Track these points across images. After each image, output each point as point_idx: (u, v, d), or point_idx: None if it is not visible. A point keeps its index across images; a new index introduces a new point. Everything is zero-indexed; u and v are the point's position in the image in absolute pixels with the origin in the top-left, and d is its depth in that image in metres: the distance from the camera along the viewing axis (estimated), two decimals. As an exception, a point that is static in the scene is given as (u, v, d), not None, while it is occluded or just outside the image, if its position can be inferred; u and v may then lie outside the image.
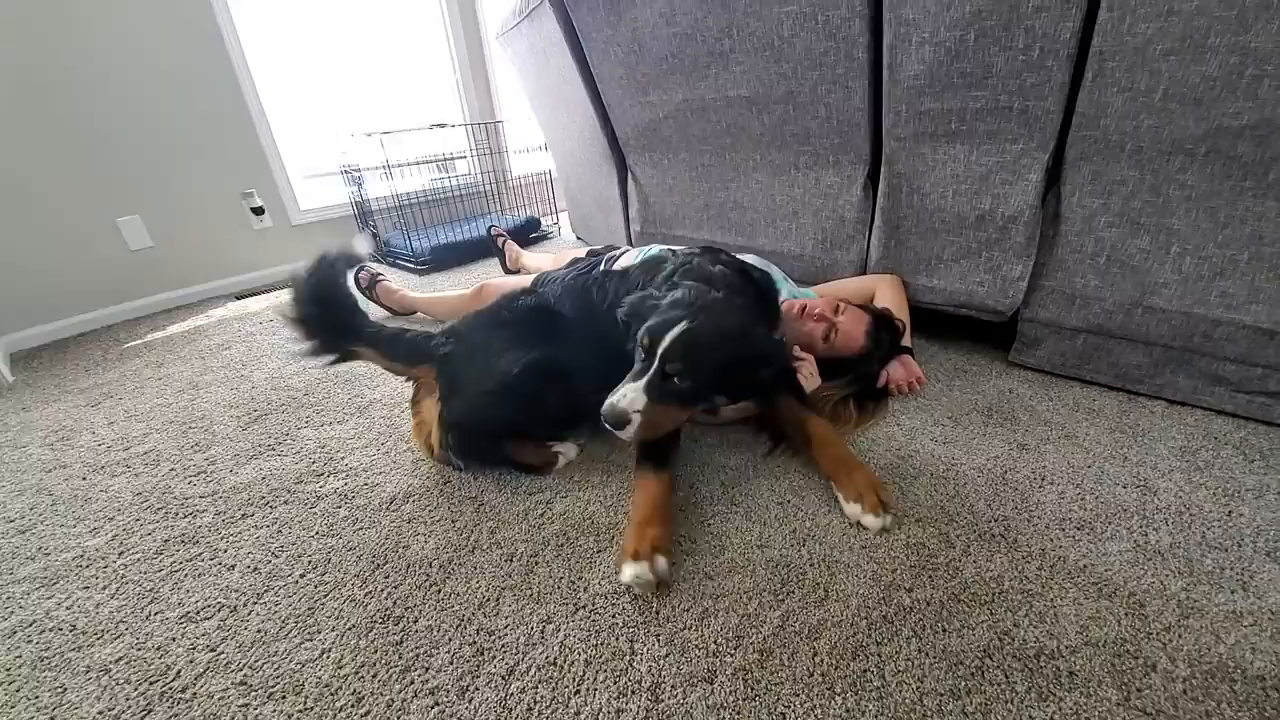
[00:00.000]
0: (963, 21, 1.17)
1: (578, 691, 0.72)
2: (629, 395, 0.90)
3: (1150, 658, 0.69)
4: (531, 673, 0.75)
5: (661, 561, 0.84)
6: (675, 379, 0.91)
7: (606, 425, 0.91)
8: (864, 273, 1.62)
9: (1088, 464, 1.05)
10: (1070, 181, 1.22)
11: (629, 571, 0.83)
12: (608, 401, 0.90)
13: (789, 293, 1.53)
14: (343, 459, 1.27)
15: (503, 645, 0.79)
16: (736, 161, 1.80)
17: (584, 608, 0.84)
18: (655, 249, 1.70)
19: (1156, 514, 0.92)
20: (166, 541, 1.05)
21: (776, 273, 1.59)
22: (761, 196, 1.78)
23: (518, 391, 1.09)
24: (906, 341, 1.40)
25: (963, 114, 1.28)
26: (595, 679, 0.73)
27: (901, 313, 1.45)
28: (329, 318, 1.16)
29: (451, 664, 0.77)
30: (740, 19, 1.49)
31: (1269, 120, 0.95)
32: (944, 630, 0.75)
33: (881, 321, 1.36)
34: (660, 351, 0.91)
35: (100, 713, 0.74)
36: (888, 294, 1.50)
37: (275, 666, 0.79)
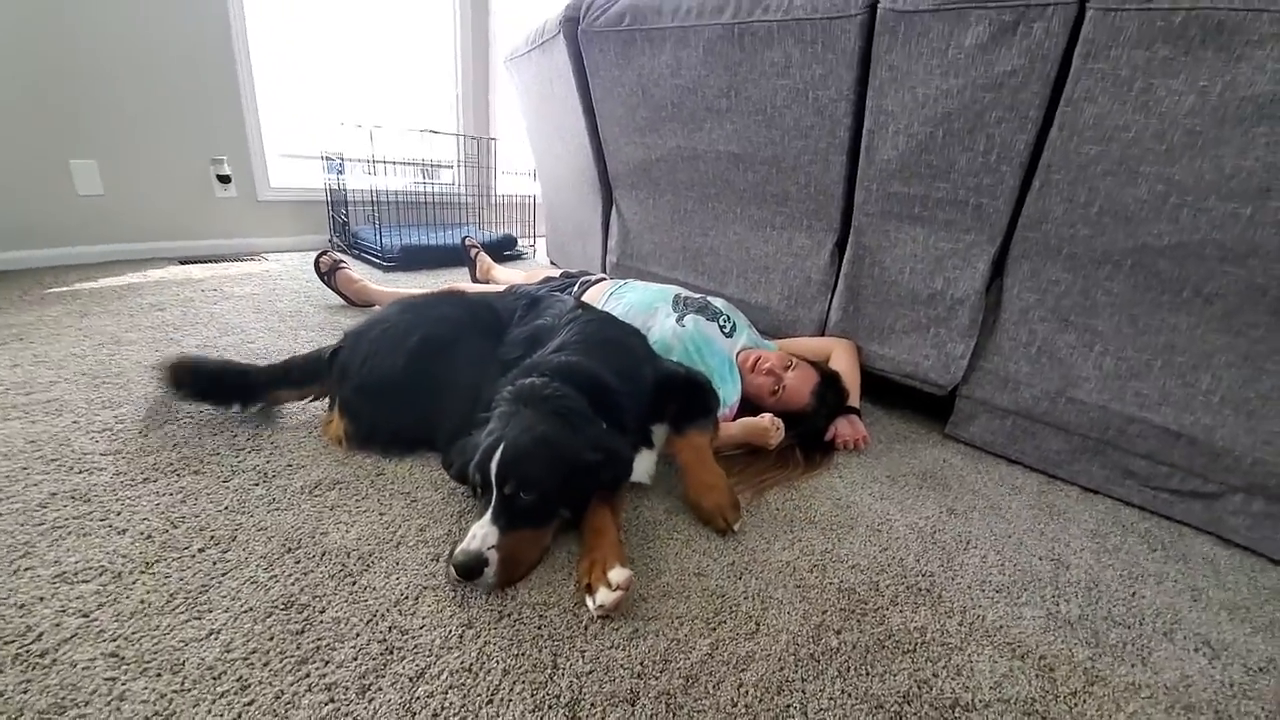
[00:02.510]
0: (934, 119, 1.29)
1: (490, 701, 0.67)
2: (478, 534, 0.83)
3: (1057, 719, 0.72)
4: (443, 677, 0.70)
5: (617, 574, 0.81)
6: (520, 495, 0.86)
7: (460, 579, 0.82)
8: (823, 333, 1.69)
9: (1009, 534, 1.11)
10: (1012, 275, 1.34)
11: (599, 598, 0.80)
12: (459, 549, 0.82)
13: (749, 340, 1.58)
14: (269, 436, 1.19)
15: (415, 646, 0.74)
16: (718, 211, 1.88)
17: (509, 616, 0.80)
18: (631, 282, 1.74)
19: (1068, 587, 0.97)
20: (54, 495, 0.95)
21: (742, 319, 1.64)
22: (737, 247, 1.86)
23: (416, 356, 1.16)
24: (855, 402, 1.46)
25: (926, 201, 1.39)
26: (511, 690, 0.69)
27: (853, 375, 1.52)
28: (227, 388, 1.25)
29: (356, 660, 0.71)
30: (740, 83, 1.59)
31: (1185, 245, 1.08)
32: (867, 674, 0.75)
33: (829, 382, 1.42)
34: (494, 477, 0.86)
35: (-64, 670, 0.65)
36: (843, 357, 1.57)
37: (154, 641, 0.71)
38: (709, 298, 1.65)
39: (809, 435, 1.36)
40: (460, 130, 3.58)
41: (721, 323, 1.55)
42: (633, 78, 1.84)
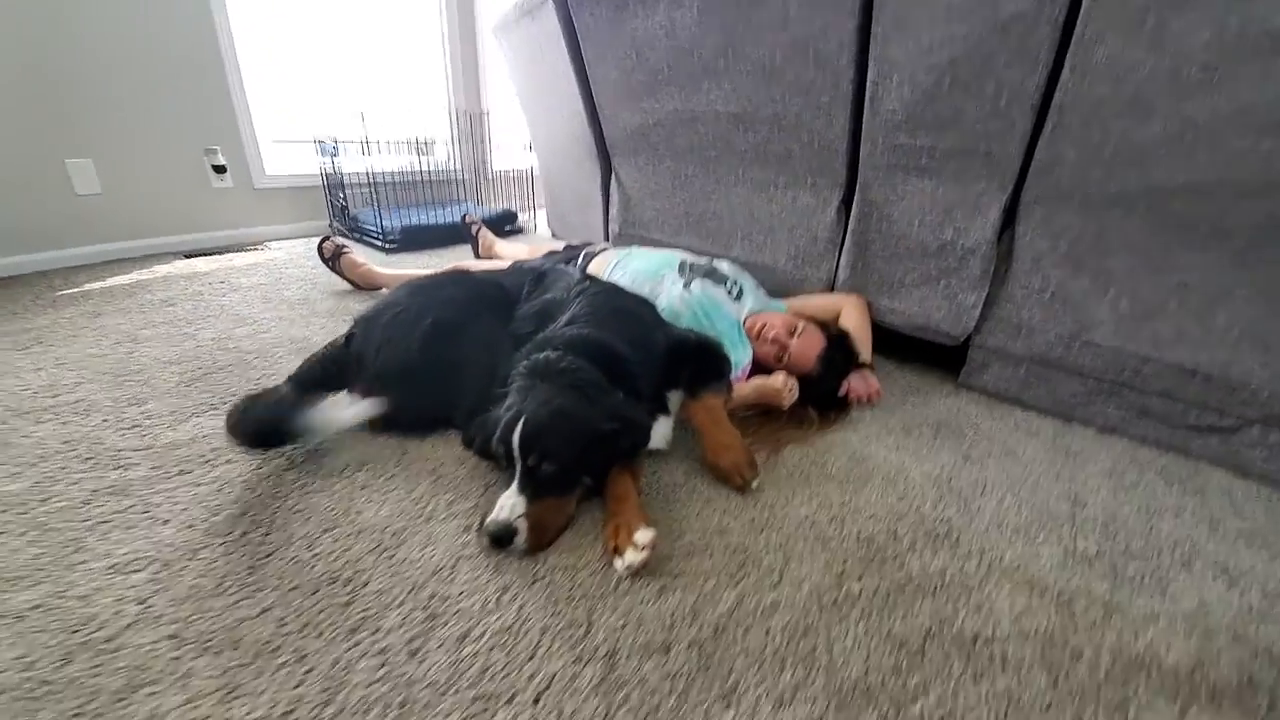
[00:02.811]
0: (940, 67, 1.26)
1: (532, 656, 0.71)
2: (506, 505, 0.86)
3: (1077, 648, 0.75)
4: (486, 638, 0.73)
5: (642, 535, 0.83)
6: (543, 466, 0.89)
7: (492, 547, 0.86)
8: (831, 290, 1.69)
9: (1025, 477, 1.13)
10: (1024, 222, 1.32)
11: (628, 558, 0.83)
12: (489, 519, 0.86)
13: (754, 303, 1.57)
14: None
15: (456, 611, 0.77)
16: (719, 174, 1.85)
17: (542, 579, 0.83)
18: (635, 249, 1.73)
19: (1085, 524, 0.99)
20: (95, 492, 0.98)
21: (749, 281, 1.64)
22: (740, 209, 1.84)
23: (430, 339, 1.17)
24: (867, 357, 1.47)
25: (933, 151, 1.36)
26: (551, 646, 0.73)
27: (864, 331, 1.52)
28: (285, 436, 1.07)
29: (402, 627, 0.75)
30: (737, 41, 1.55)
31: (1201, 182, 1.06)
32: (889, 615, 0.78)
33: (836, 344, 1.40)
34: (517, 449, 0.89)
35: (15, 659, 0.69)
36: (852, 313, 1.57)
37: (210, 622, 0.75)
38: (715, 261, 1.64)
39: (820, 397, 1.37)
40: (451, 105, 3.51)
41: (729, 286, 1.54)
42: (626, 41, 1.79)
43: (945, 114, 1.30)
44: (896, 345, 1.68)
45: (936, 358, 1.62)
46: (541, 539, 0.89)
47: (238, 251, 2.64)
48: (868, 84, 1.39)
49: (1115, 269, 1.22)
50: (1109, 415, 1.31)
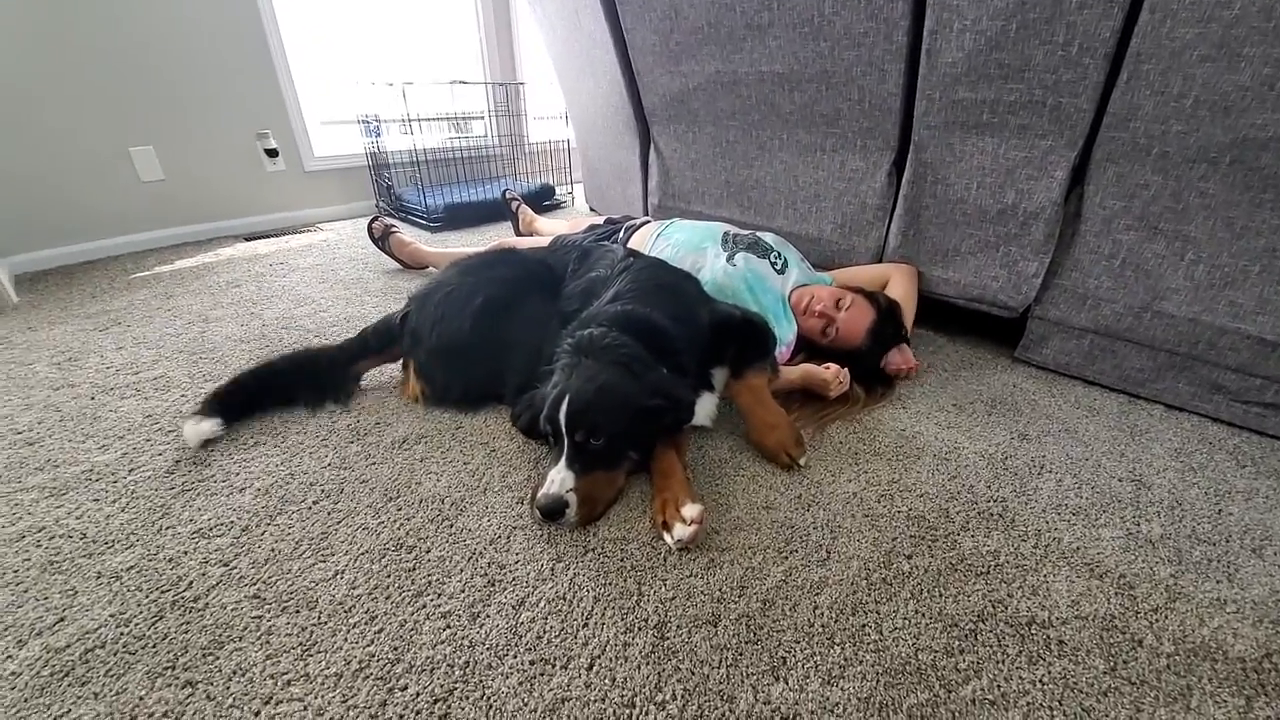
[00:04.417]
0: (1006, 12, 1.17)
1: (586, 624, 0.74)
2: (556, 479, 0.89)
3: (1137, 634, 0.73)
4: (541, 605, 0.77)
5: (690, 510, 0.86)
6: (590, 441, 0.91)
7: (544, 520, 0.89)
8: (880, 260, 1.63)
9: (1086, 457, 1.08)
10: (1094, 182, 1.23)
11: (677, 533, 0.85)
12: (540, 493, 0.88)
13: (800, 276, 1.53)
14: (355, 399, 1.28)
15: (513, 579, 0.81)
16: (762, 140, 1.80)
17: (593, 550, 0.86)
18: (676, 222, 1.71)
19: (1149, 507, 0.95)
20: (178, 462, 1.07)
21: (794, 254, 1.60)
22: (784, 177, 1.78)
23: (480, 317, 1.22)
24: (908, 331, 1.42)
25: (996, 106, 1.28)
26: (603, 614, 0.76)
27: (909, 303, 1.47)
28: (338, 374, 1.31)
29: (463, 592, 0.79)
30: (782, -9, 1.47)
31: (1297, 134, 0.96)
32: (940, 595, 0.78)
33: (886, 316, 1.36)
34: (564, 426, 0.90)
35: (111, 616, 0.76)
36: (900, 283, 1.51)
37: (289, 583, 0.81)
38: (758, 233, 1.60)
39: (867, 373, 1.33)
40: (487, 78, 3.49)
41: (773, 259, 1.51)
42: (664, 0, 1.73)
43: (1010, 64, 1.21)
44: (948, 317, 1.62)
45: (991, 330, 1.56)
46: (591, 512, 0.91)
47: (293, 233, 2.74)
48: (925, 34, 1.31)
49: (1194, 232, 1.14)
50: (1179, 391, 1.24)
